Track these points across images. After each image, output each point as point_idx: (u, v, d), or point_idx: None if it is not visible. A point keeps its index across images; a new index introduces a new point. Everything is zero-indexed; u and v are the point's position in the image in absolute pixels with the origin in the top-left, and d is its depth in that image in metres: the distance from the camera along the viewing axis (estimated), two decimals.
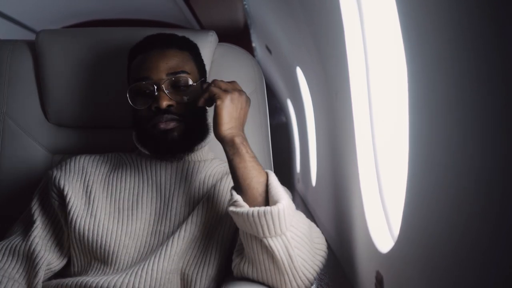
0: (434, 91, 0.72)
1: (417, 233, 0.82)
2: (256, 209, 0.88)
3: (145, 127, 1.03)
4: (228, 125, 0.95)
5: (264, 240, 0.88)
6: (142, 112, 1.02)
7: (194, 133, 1.04)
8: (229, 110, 0.95)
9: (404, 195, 0.86)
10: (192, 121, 1.03)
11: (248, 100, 0.99)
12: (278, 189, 0.92)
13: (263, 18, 2.88)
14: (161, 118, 1.00)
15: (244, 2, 2.88)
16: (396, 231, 1.05)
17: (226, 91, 0.96)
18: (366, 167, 1.21)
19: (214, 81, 0.99)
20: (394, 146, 1.10)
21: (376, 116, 1.20)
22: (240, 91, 0.98)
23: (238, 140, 0.94)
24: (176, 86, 1.02)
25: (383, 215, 1.13)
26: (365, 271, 1.18)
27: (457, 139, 0.67)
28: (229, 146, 0.95)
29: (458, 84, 0.65)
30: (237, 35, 3.60)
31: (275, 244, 0.88)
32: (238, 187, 0.94)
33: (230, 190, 0.95)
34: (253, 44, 3.92)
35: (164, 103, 0.99)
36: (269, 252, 0.89)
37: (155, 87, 1.00)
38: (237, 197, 0.92)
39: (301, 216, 0.95)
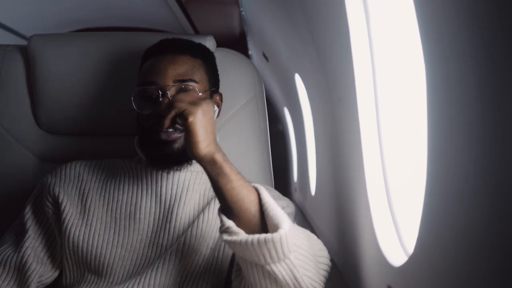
0: (456, 94, 0.69)
1: (436, 244, 0.78)
2: (255, 237, 0.79)
3: (145, 133, 1.00)
4: (205, 142, 0.84)
5: (267, 266, 0.80)
6: (145, 117, 0.99)
7: None
8: (203, 125, 0.84)
9: (422, 204, 0.82)
10: None
11: (213, 107, 0.90)
12: (275, 209, 0.82)
13: (261, 25, 2.87)
14: (163, 126, 0.96)
15: (241, 9, 2.87)
16: (408, 242, 1.01)
17: (194, 104, 0.86)
18: (374, 176, 1.18)
19: (175, 96, 0.94)
20: (404, 155, 1.07)
21: (385, 122, 1.16)
22: (205, 100, 0.89)
23: (219, 157, 0.84)
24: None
25: (393, 226, 1.09)
26: (374, 286, 1.13)
27: (479, 144, 0.63)
28: (210, 165, 0.84)
29: (480, 87, 0.62)
30: (234, 43, 3.59)
31: (279, 269, 0.81)
32: (228, 210, 0.85)
33: (219, 214, 0.85)
34: (250, 52, 3.92)
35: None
36: (272, 277, 0.82)
37: (160, 93, 0.96)
38: (229, 222, 0.82)
39: (299, 230, 0.87)
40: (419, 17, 0.77)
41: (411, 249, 0.90)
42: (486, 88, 0.61)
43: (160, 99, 0.96)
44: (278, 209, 0.82)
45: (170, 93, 0.96)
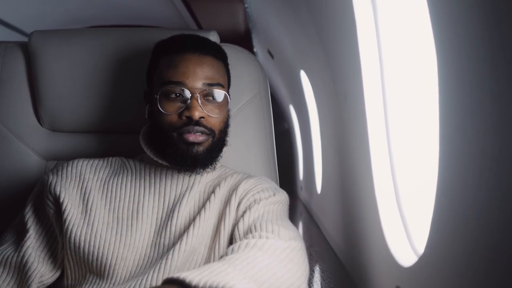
0: (470, 91, 0.66)
1: (449, 245, 0.75)
2: None
3: (168, 134, 0.98)
4: None
5: None
6: (169, 117, 0.97)
7: (218, 148, 1.01)
8: None
9: (433, 203, 0.79)
10: (219, 136, 1.00)
11: None
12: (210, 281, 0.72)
13: (266, 22, 2.85)
14: (191, 129, 0.95)
15: (246, 5, 2.85)
16: (418, 242, 0.99)
17: None
18: (381, 174, 1.15)
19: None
20: (413, 152, 1.04)
21: (393, 119, 1.13)
22: None
23: None
24: (209, 98, 0.98)
25: (402, 225, 1.06)
26: (383, 286, 1.11)
27: (494, 143, 0.60)
28: None
29: (494, 87, 0.59)
30: (238, 40, 3.58)
31: None
32: None
33: None
34: (255, 49, 3.91)
35: (197, 114, 0.95)
36: None
37: (190, 95, 0.96)
38: None
39: (255, 260, 0.80)
40: (432, 10, 0.75)
41: (421, 249, 0.87)
42: (503, 85, 0.58)
43: (189, 101, 0.95)
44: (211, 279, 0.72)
45: (199, 95, 0.95)
